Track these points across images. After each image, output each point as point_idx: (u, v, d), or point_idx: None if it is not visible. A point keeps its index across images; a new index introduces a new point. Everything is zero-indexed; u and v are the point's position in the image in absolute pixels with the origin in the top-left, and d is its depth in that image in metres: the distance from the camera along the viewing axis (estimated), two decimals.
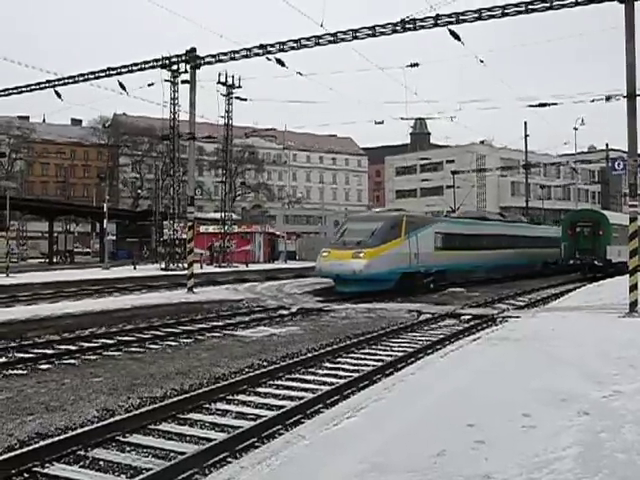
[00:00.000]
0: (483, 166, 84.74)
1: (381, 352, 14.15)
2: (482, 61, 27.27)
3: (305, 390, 10.47)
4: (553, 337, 12.61)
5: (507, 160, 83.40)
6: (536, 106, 32.56)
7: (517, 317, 17.94)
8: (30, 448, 7.22)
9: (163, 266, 43.50)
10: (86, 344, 14.88)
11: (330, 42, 25.51)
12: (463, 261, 32.46)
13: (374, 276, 25.23)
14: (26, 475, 6.75)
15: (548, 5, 21.73)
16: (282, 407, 9.19)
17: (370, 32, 24.69)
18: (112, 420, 8.37)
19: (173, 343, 15.38)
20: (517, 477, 4.94)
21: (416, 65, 27.19)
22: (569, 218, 41.83)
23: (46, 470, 6.86)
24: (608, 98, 31.23)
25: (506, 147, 76.37)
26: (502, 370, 9.47)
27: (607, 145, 66.65)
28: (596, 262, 36.80)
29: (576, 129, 63.16)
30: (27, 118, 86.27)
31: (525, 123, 60.58)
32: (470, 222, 36.73)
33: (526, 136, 60.40)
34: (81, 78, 31.40)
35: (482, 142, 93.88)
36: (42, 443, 7.42)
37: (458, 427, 6.32)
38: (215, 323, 18.57)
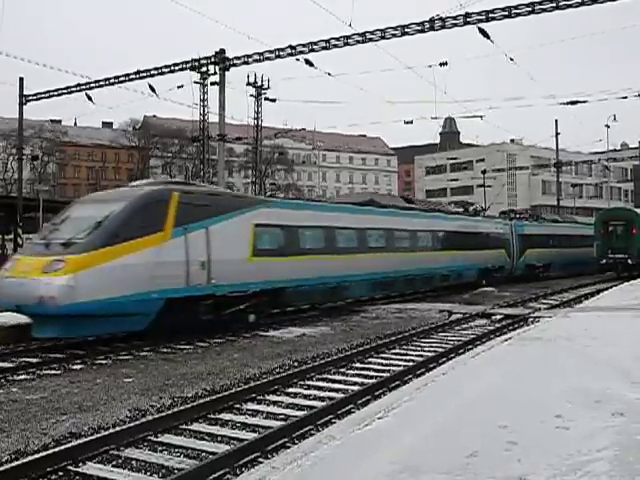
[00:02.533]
0: (514, 165, 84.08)
1: (412, 352, 14.10)
2: (512, 59, 27.13)
3: (336, 390, 10.46)
4: (586, 337, 12.44)
5: (538, 159, 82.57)
6: (567, 104, 32.39)
7: (549, 317, 17.72)
8: (64, 447, 7.31)
9: None
10: (118, 344, 15.02)
11: (359, 42, 25.57)
12: (317, 272, 19.90)
13: (89, 309, 13.35)
14: (60, 474, 6.84)
15: (580, 1, 21.52)
16: (313, 407, 9.20)
17: (399, 31, 24.69)
18: (144, 420, 8.44)
19: (204, 344, 15.46)
20: (551, 479, 4.88)
21: (445, 64, 27.19)
22: (601, 217, 41.24)
23: (80, 469, 6.94)
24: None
25: (537, 145, 75.67)
26: (534, 370, 9.36)
27: None
28: (630, 261, 36.33)
29: (608, 126, 62.43)
30: (59, 122, 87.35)
31: (556, 121, 59.90)
32: (330, 208, 23.37)
33: (557, 134, 59.68)
34: (112, 81, 31.81)
35: (512, 141, 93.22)
36: (76, 442, 7.50)
37: (490, 428, 6.25)
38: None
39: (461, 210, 35.99)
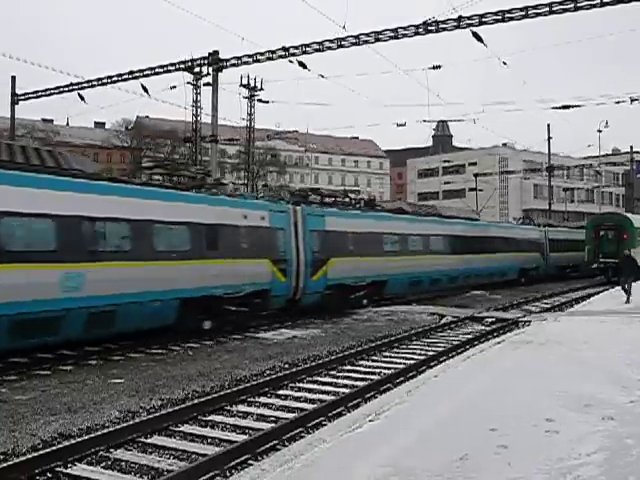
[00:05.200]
0: (506, 169, 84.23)
1: (403, 355, 14.09)
2: (505, 63, 27.21)
3: (326, 393, 10.45)
4: (576, 341, 12.48)
5: (530, 163, 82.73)
6: (559, 108, 32.47)
7: (540, 320, 17.77)
8: (53, 448, 7.28)
9: None
10: (108, 345, 14.95)
11: (352, 44, 25.57)
12: None
13: None
14: (49, 475, 6.80)
15: (573, 6, 21.61)
16: (303, 409, 9.18)
17: (392, 34, 24.71)
18: (134, 421, 8.40)
19: (195, 345, 15.40)
20: None
21: (438, 67, 27.25)
22: (593, 222, 41.32)
23: (69, 470, 6.90)
24: (633, 100, 31.00)
25: (529, 150, 75.86)
26: (525, 374, 9.38)
27: (631, 147, 65.96)
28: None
29: (600, 131, 62.63)
30: (51, 121, 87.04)
31: (548, 125, 60.04)
32: None
33: (549, 138, 59.81)
34: (104, 81, 31.75)
35: (505, 145, 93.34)
36: (65, 443, 7.47)
37: (481, 431, 6.25)
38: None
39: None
